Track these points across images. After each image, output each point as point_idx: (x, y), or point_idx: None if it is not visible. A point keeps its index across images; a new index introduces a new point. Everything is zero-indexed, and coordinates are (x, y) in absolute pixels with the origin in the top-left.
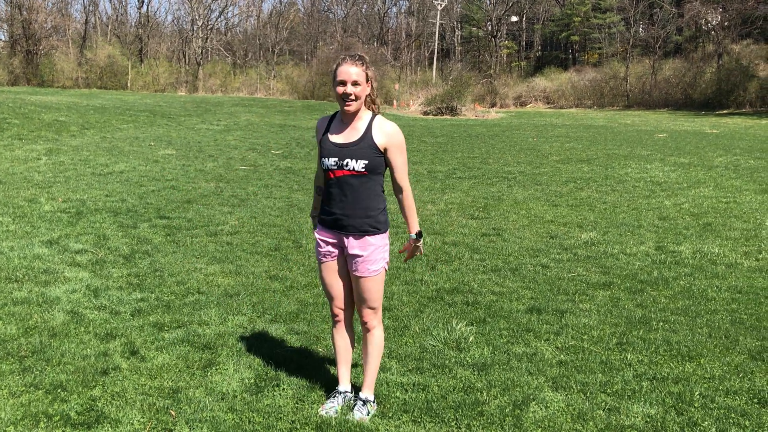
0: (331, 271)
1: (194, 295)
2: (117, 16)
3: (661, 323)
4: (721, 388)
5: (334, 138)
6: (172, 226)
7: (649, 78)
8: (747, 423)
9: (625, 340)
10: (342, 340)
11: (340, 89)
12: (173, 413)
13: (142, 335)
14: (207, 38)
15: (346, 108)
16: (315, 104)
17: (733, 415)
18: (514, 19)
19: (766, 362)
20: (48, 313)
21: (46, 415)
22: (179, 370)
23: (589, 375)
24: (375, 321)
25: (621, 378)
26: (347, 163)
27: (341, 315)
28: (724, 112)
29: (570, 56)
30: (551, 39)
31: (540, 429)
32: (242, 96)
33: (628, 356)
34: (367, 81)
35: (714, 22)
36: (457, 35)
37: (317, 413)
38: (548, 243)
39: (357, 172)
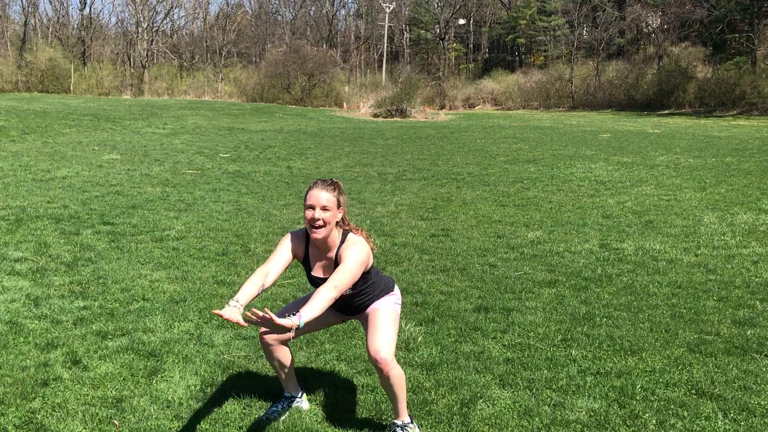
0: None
1: (139, 302)
2: (58, 17)
3: (605, 319)
4: (661, 380)
5: (316, 273)
6: (116, 232)
7: (593, 80)
8: (685, 414)
9: (569, 337)
10: (277, 359)
11: (309, 213)
12: (117, 423)
13: (84, 344)
14: (152, 40)
15: (313, 235)
16: (264, 107)
17: (672, 406)
18: (462, 21)
19: (703, 354)
20: None
21: None
22: (123, 379)
23: (535, 371)
24: (388, 365)
25: (566, 374)
26: None
27: (275, 343)
28: (665, 112)
29: (516, 58)
30: (498, 42)
31: (487, 426)
32: (189, 99)
33: (573, 352)
34: (338, 207)
35: (654, 25)
36: (406, 38)
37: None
38: (496, 242)
39: (347, 295)
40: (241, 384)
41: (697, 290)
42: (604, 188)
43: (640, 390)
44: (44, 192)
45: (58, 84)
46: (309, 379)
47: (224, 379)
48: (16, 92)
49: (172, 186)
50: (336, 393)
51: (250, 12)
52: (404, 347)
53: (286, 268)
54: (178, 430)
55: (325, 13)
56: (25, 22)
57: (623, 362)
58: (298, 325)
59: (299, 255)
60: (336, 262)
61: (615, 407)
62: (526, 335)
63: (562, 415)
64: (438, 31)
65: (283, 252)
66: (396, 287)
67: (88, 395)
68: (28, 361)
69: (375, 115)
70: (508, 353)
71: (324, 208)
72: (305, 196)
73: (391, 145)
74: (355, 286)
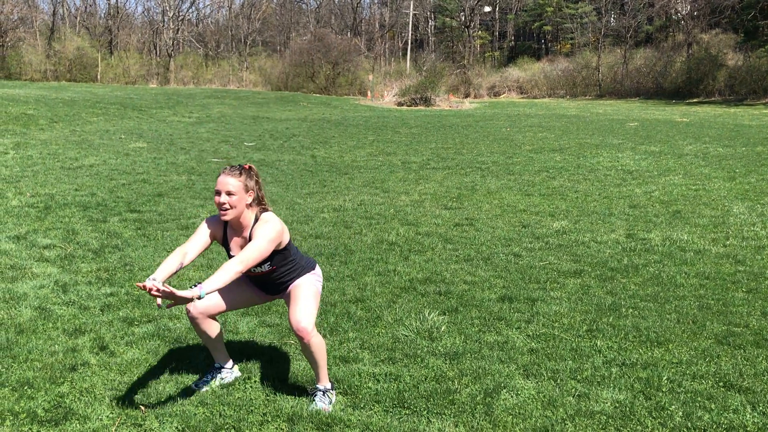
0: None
1: None
2: (86, 7)
3: (631, 310)
4: (688, 372)
5: (234, 251)
6: (142, 219)
7: (620, 67)
8: (713, 406)
9: (595, 327)
10: (205, 333)
11: (216, 198)
12: (143, 408)
13: (111, 330)
14: (178, 29)
15: (222, 217)
16: (288, 95)
17: (699, 398)
18: (487, 9)
19: (731, 346)
20: (15, 309)
21: (12, 412)
22: (149, 365)
23: (559, 362)
24: (309, 335)
25: (591, 364)
26: (254, 269)
27: (201, 317)
28: (694, 100)
29: (543, 46)
30: (524, 29)
31: (511, 416)
32: (215, 88)
33: (598, 343)
34: (246, 191)
35: (683, 12)
36: (431, 26)
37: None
38: (520, 232)
39: (266, 271)
40: (264, 371)
41: (726, 281)
42: (631, 178)
43: (666, 382)
44: (72, 180)
45: (86, 73)
46: (332, 367)
47: (248, 365)
48: (44, 81)
49: (197, 174)
50: (360, 381)
51: (275, 0)
52: (428, 336)
53: (205, 249)
54: (204, 416)
55: (349, 1)
56: (54, 11)
57: (649, 353)
58: (199, 296)
59: (218, 237)
60: (250, 240)
61: (641, 399)
62: (550, 325)
63: (586, 406)
64: (463, 18)
65: (201, 234)
66: (318, 267)
67: (115, 380)
68: (56, 346)
69: (399, 104)
70: (533, 343)
71: (229, 193)
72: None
73: (415, 133)
74: (274, 262)
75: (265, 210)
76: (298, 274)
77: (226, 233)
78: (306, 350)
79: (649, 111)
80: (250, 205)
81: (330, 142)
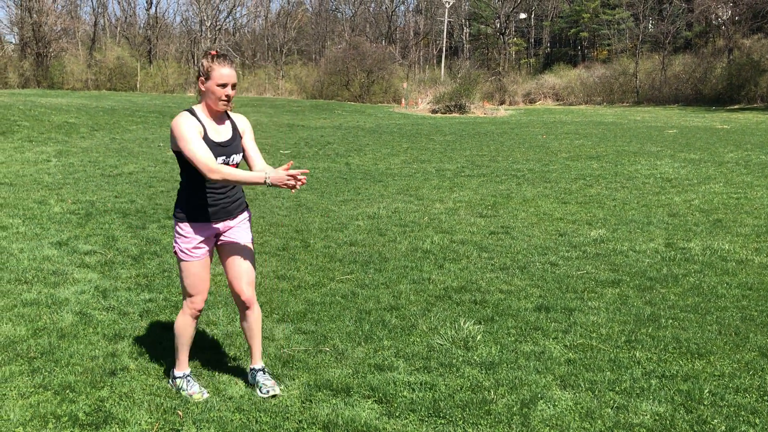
0: (204, 266)
1: None
2: (126, 17)
3: (671, 321)
4: (731, 385)
5: (215, 138)
6: None
7: (659, 74)
8: (757, 421)
9: (633, 338)
10: (194, 330)
11: (223, 91)
12: (180, 413)
13: (150, 336)
14: (215, 39)
15: (223, 107)
16: (323, 103)
17: (743, 412)
18: (523, 16)
19: None
20: (57, 314)
21: (55, 415)
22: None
23: (597, 373)
24: (254, 295)
25: (630, 376)
26: (233, 158)
27: (201, 310)
28: (735, 107)
29: (579, 53)
30: (560, 36)
31: (548, 428)
32: (251, 96)
33: (637, 354)
34: None
35: (724, 17)
36: (466, 33)
37: (195, 401)
38: (557, 241)
39: (237, 164)
40: (300, 378)
41: None
42: (670, 186)
43: (708, 395)
44: (112, 187)
45: (125, 82)
46: (367, 375)
47: (284, 372)
48: (86, 90)
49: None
50: (395, 389)
51: (310, 9)
52: (463, 346)
53: None
54: (240, 422)
55: (384, 9)
56: (95, 22)
57: (690, 365)
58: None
59: (201, 131)
60: (234, 130)
61: (681, 411)
62: (588, 336)
63: (625, 418)
64: (498, 25)
65: (199, 138)
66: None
67: (153, 386)
68: (97, 351)
69: (433, 111)
70: (570, 354)
71: (233, 86)
72: (211, 72)
73: (450, 141)
74: (242, 157)
75: None
76: (245, 201)
77: (204, 125)
78: (251, 319)
79: (688, 118)
80: None
81: (364, 150)
